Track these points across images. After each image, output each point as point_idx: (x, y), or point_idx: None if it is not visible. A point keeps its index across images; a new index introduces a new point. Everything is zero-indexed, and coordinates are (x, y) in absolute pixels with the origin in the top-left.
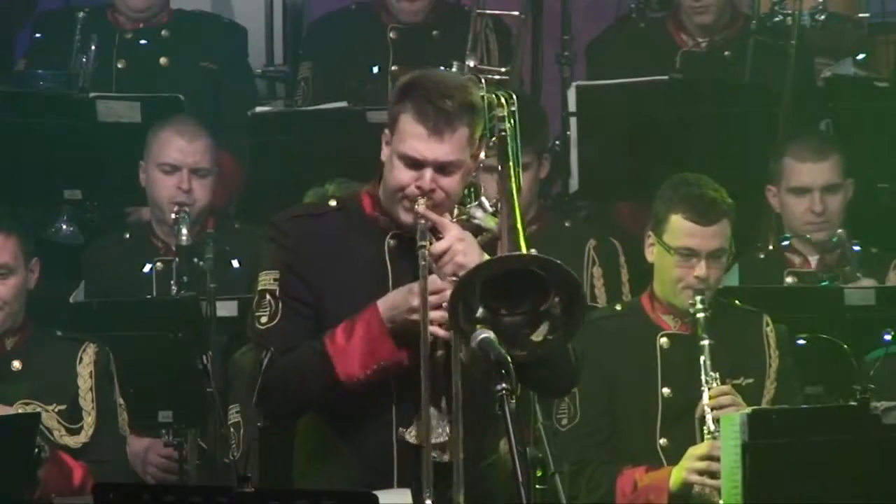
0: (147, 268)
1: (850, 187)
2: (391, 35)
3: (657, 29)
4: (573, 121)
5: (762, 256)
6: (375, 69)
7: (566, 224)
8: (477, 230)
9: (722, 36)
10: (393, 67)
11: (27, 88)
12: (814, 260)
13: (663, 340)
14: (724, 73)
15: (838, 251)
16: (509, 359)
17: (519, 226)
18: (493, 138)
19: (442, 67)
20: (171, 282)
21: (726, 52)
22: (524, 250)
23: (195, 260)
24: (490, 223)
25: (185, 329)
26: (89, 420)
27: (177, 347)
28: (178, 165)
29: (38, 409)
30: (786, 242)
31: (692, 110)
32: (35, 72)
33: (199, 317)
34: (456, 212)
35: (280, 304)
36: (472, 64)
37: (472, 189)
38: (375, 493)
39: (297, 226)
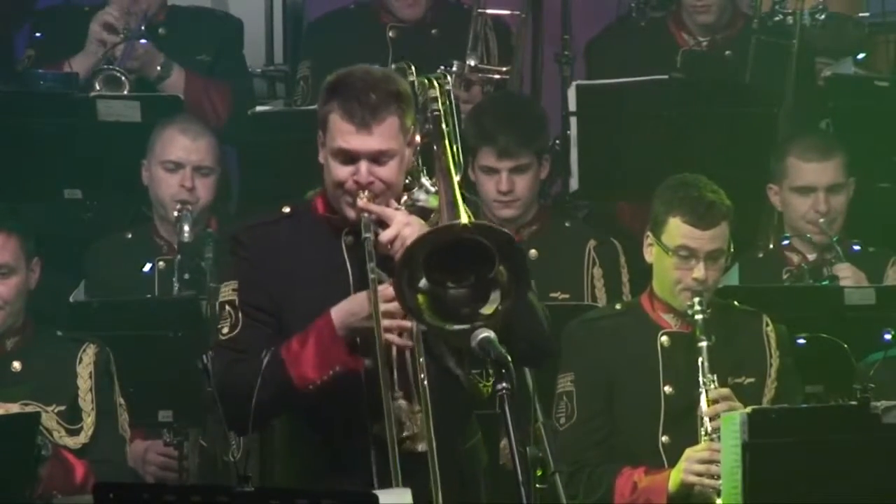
0: (147, 267)
1: (852, 186)
2: (390, 34)
3: (658, 28)
4: (573, 121)
5: (761, 256)
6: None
7: (566, 224)
8: (424, 213)
9: (723, 35)
10: (393, 66)
11: (27, 88)
12: (812, 258)
13: (664, 339)
14: (725, 72)
15: (835, 252)
16: (509, 358)
17: (458, 199)
18: (427, 124)
19: (442, 66)
20: (174, 279)
21: (727, 52)
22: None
23: (197, 259)
24: (434, 203)
25: (185, 329)
26: (89, 421)
27: (177, 347)
28: (181, 163)
29: (38, 410)
30: (786, 242)
31: (693, 110)
32: (35, 71)
33: (199, 316)
34: (404, 198)
35: (240, 315)
36: (472, 63)
37: (410, 175)
38: (375, 492)
39: (253, 236)
